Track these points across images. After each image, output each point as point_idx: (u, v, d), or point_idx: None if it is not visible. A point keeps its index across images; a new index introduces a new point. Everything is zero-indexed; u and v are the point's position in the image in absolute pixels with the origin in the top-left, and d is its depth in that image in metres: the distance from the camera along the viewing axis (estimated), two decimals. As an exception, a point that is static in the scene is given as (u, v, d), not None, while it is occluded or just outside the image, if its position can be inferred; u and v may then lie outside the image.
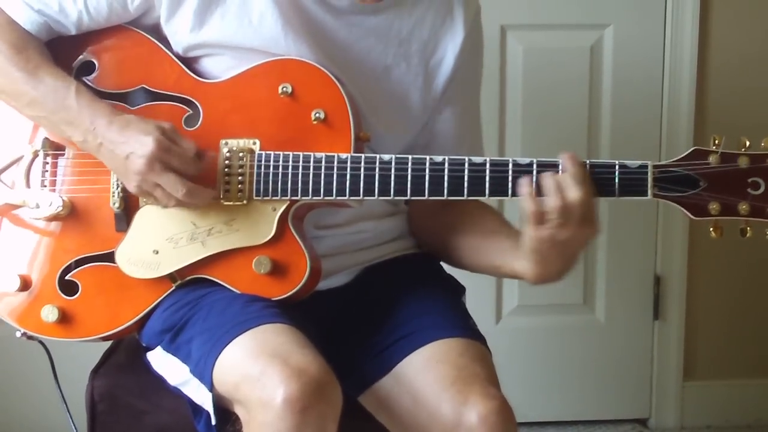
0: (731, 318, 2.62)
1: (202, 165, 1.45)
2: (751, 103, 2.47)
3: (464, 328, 1.53)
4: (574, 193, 1.37)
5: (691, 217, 1.40)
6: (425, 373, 1.44)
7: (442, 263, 1.69)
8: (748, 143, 1.39)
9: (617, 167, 1.40)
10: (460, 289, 1.68)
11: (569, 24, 2.50)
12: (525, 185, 1.39)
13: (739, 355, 2.64)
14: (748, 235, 1.40)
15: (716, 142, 1.39)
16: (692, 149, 1.39)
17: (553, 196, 1.37)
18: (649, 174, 1.39)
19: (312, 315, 1.50)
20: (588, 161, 1.41)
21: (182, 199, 1.42)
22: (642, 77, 2.51)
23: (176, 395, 1.50)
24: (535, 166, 1.42)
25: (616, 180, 1.40)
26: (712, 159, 1.38)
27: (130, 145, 1.42)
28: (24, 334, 1.56)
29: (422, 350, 1.47)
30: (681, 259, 2.58)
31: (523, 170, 1.41)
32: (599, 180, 1.40)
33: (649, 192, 1.39)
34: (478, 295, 1.95)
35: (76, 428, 1.60)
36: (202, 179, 1.46)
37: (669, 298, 2.60)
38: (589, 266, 2.58)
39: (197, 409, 1.47)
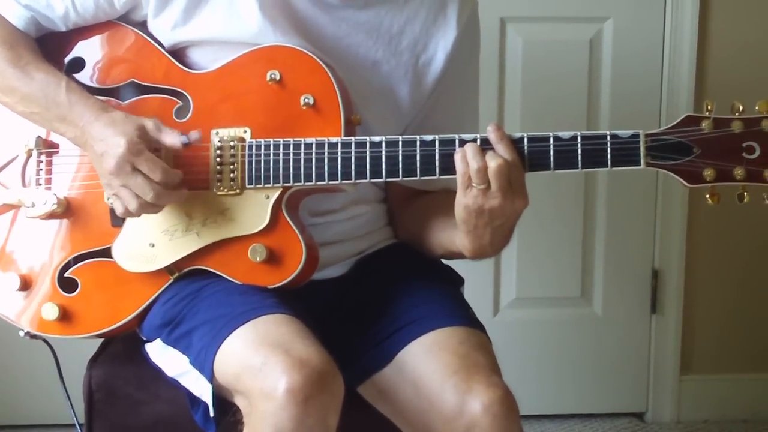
0: (729, 313, 2.61)
1: (190, 164, 1.44)
2: (750, 95, 2.43)
3: (465, 317, 1.53)
4: (493, 158, 1.37)
5: (686, 184, 1.38)
6: (427, 362, 1.44)
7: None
8: (741, 108, 1.37)
9: (609, 137, 1.39)
10: (458, 280, 1.68)
11: (569, 17, 2.50)
12: (459, 151, 1.39)
13: (736, 349, 2.62)
14: (745, 200, 1.37)
15: (709, 107, 1.37)
16: (684, 116, 1.38)
17: (472, 159, 1.38)
18: (642, 143, 1.38)
19: (311, 305, 1.50)
20: (579, 133, 1.40)
21: (150, 201, 1.41)
22: (641, 70, 2.51)
23: (174, 386, 1.49)
24: (526, 141, 1.41)
25: (608, 150, 1.39)
26: (705, 125, 1.37)
27: (105, 143, 1.42)
28: (27, 333, 1.57)
29: (423, 339, 1.46)
30: (679, 253, 2.56)
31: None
32: (591, 151, 1.39)
33: (642, 161, 1.38)
34: (475, 287, 1.95)
35: (76, 419, 1.61)
36: (194, 169, 1.47)
37: (667, 292, 2.58)
38: (587, 259, 2.58)
39: (195, 400, 1.46)
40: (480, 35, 1.64)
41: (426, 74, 1.57)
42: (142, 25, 1.54)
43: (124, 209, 1.44)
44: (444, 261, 1.69)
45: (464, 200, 1.40)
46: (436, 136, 1.42)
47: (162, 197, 1.42)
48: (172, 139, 1.43)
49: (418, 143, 1.42)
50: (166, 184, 1.42)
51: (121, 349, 1.64)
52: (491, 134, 1.40)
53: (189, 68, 1.52)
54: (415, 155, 1.42)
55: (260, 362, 1.33)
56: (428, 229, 1.57)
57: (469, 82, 1.64)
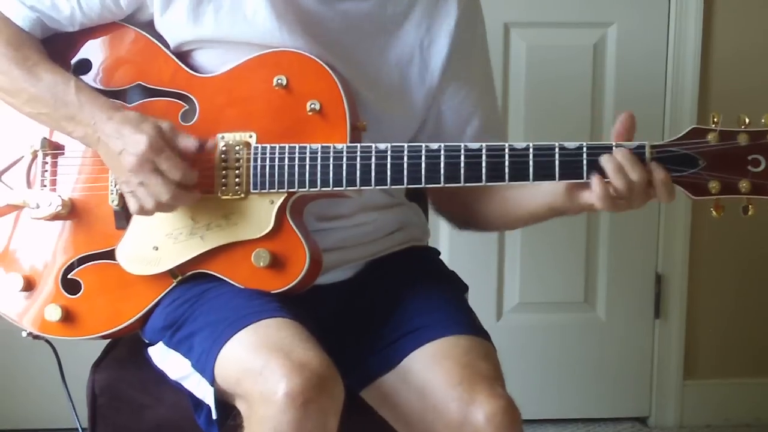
0: (731, 317, 2.61)
1: (196, 168, 1.44)
2: (754, 100, 2.46)
3: (470, 325, 1.53)
4: (636, 171, 1.36)
5: (691, 197, 1.38)
6: (431, 370, 1.44)
7: (443, 259, 1.72)
8: (747, 120, 1.37)
9: (614, 148, 1.39)
10: (463, 287, 1.68)
11: (573, 22, 2.50)
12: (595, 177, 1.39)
13: (739, 354, 2.63)
14: (750, 213, 1.37)
15: (715, 120, 1.37)
16: (690, 128, 1.38)
17: (615, 176, 1.37)
18: (647, 154, 1.38)
19: (315, 310, 1.50)
20: (585, 143, 1.40)
21: (166, 202, 1.42)
22: (645, 75, 2.51)
23: (177, 389, 1.50)
24: (531, 149, 1.41)
25: (614, 161, 1.38)
26: (711, 137, 1.37)
27: (124, 141, 1.42)
28: (30, 334, 1.57)
29: (428, 346, 1.47)
30: (682, 257, 2.57)
31: (519, 155, 1.40)
32: (597, 161, 1.38)
33: (647, 172, 1.38)
34: (479, 293, 1.95)
35: (79, 422, 1.61)
36: (200, 173, 1.46)
37: (670, 297, 2.59)
38: (590, 264, 2.58)
39: (198, 404, 1.46)
40: (483, 15, 1.63)
41: (432, 55, 1.56)
42: (149, 26, 1.54)
43: (139, 207, 1.43)
44: (447, 265, 1.70)
45: (601, 207, 1.40)
46: (442, 144, 1.42)
47: (178, 198, 1.42)
48: (186, 142, 1.43)
49: (423, 151, 1.42)
50: (184, 184, 1.41)
51: (125, 353, 1.64)
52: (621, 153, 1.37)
53: (195, 72, 1.52)
54: (421, 163, 1.42)
55: (260, 366, 1.33)
56: (509, 200, 1.55)
57: (477, 59, 1.62)
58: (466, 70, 1.59)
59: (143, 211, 1.44)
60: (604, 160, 1.38)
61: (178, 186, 1.41)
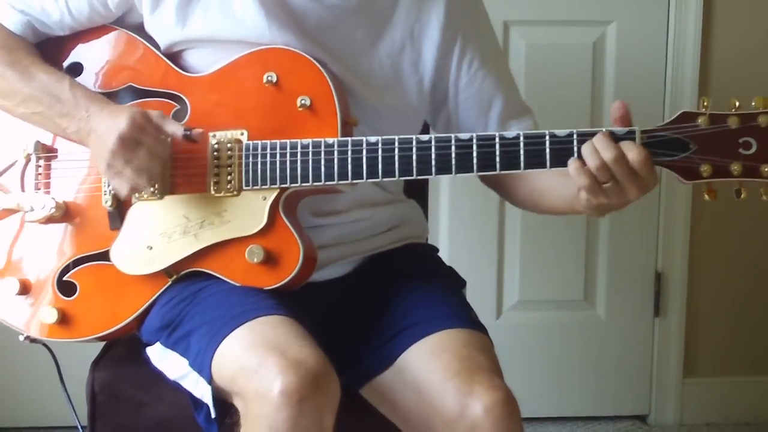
0: (731, 315, 2.60)
1: (188, 167, 1.45)
2: (754, 98, 2.45)
3: (467, 319, 1.52)
4: (609, 150, 1.35)
5: (683, 181, 1.37)
6: (428, 364, 1.43)
7: (442, 257, 1.71)
8: (737, 104, 1.37)
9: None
10: (460, 282, 1.68)
11: (572, 20, 2.50)
12: (572, 161, 1.38)
13: (738, 352, 2.61)
14: (742, 196, 1.36)
15: (705, 104, 1.37)
16: (680, 112, 1.37)
17: (590, 158, 1.36)
18: (637, 139, 1.37)
19: (312, 307, 1.50)
20: (575, 130, 1.40)
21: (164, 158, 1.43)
22: (645, 74, 2.51)
23: (176, 388, 1.49)
24: (522, 138, 1.41)
25: (604, 147, 1.38)
26: (701, 121, 1.36)
27: (108, 125, 1.43)
28: (27, 337, 1.57)
29: (425, 341, 1.46)
30: (682, 255, 2.56)
31: (510, 144, 1.40)
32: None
33: (638, 157, 1.37)
34: (478, 290, 1.93)
35: (79, 421, 1.61)
36: (192, 171, 1.47)
37: (669, 295, 2.58)
38: (590, 262, 2.58)
39: (197, 403, 1.46)
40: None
41: (423, 43, 1.56)
42: (140, 28, 1.55)
43: (129, 188, 1.43)
44: (445, 261, 1.70)
45: (595, 202, 1.39)
46: (432, 136, 1.43)
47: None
48: (174, 127, 1.43)
49: (414, 143, 1.42)
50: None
51: (124, 352, 1.64)
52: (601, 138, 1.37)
53: (186, 71, 1.53)
54: (412, 155, 1.42)
55: (256, 363, 1.33)
56: (542, 193, 1.56)
57: (484, 37, 1.62)
58: (478, 52, 1.58)
59: (134, 190, 1.44)
60: (583, 146, 1.37)
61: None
